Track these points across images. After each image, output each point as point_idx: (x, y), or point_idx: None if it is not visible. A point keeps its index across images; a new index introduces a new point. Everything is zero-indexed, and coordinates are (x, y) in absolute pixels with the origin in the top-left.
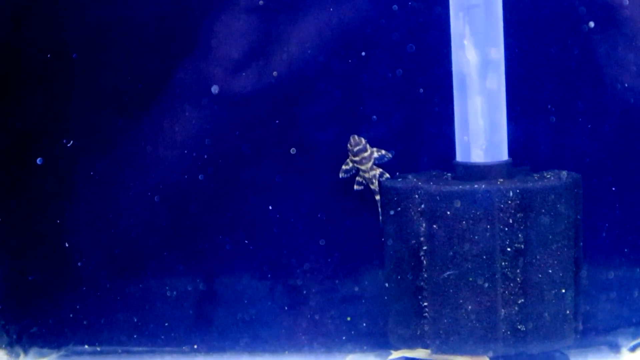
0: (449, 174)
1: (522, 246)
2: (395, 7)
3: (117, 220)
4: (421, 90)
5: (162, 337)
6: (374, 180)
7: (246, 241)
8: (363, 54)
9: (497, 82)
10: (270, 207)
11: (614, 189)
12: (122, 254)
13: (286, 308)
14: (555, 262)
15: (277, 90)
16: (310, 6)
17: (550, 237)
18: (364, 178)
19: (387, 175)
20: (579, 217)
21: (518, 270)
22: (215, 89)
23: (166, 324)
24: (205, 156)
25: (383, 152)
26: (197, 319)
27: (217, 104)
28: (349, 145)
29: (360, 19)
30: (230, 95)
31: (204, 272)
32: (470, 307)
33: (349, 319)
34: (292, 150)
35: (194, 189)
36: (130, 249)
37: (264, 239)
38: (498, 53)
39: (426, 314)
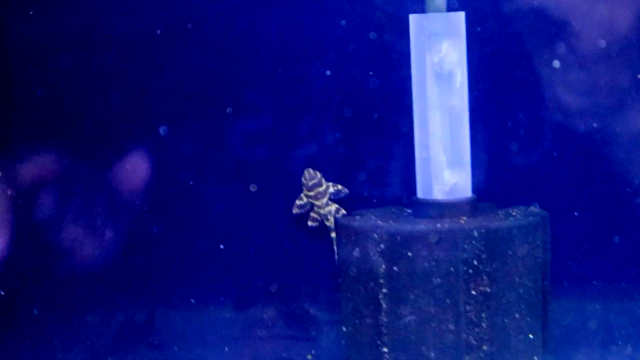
0: (410, 210)
1: (488, 289)
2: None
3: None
4: (377, 116)
5: None
6: (329, 217)
7: (195, 278)
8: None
9: (460, 110)
10: (221, 246)
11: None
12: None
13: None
14: (523, 305)
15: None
16: None
17: (517, 279)
18: (319, 214)
19: (344, 211)
20: (547, 256)
21: (483, 315)
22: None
23: None
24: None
25: (339, 187)
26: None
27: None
28: (303, 179)
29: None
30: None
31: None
32: (432, 354)
33: (309, 357)
34: (253, 187)
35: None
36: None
37: (213, 278)
38: (462, 79)
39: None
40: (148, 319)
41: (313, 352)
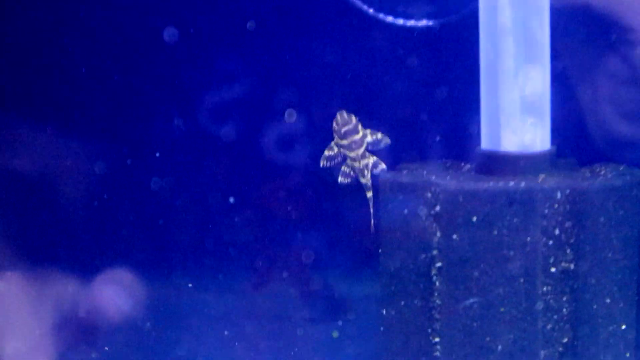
0: (469, 166)
1: (572, 266)
2: None
3: None
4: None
5: None
6: (365, 172)
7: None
8: None
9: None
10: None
11: None
12: None
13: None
14: (615, 288)
15: None
16: None
17: (609, 254)
18: (353, 168)
19: (384, 165)
20: None
21: (565, 298)
22: None
23: None
24: None
25: (380, 135)
26: None
27: None
28: (334, 124)
29: None
30: None
31: None
32: (499, 346)
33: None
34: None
35: None
36: None
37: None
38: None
39: (438, 353)
40: None
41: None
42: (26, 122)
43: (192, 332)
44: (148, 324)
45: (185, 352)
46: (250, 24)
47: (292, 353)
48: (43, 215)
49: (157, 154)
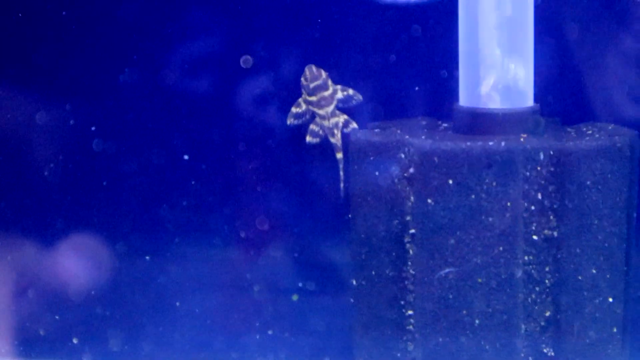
0: (445, 124)
1: (555, 233)
2: None
3: None
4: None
5: None
6: (335, 131)
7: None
8: None
9: None
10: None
11: None
12: None
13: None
14: (601, 257)
15: None
16: None
17: (595, 221)
18: (322, 127)
19: (355, 124)
20: (634, 192)
21: (547, 268)
22: None
23: None
24: None
25: (350, 91)
26: None
27: None
28: (302, 79)
29: None
30: None
31: None
32: (477, 320)
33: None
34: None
35: None
36: None
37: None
38: None
39: (411, 327)
40: None
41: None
42: None
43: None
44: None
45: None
46: None
47: (257, 323)
48: None
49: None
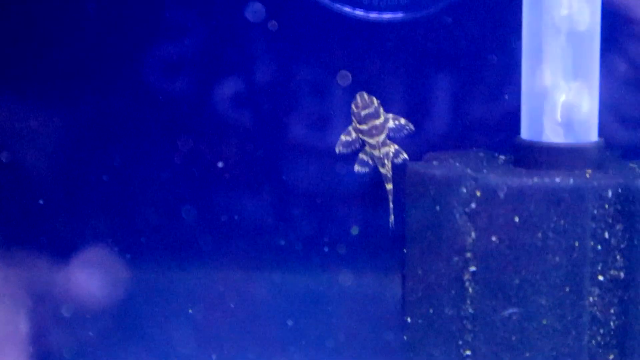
0: (504, 157)
1: (622, 274)
2: None
3: None
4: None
5: None
6: (385, 161)
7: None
8: None
9: (590, 20)
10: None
11: None
12: None
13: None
14: None
15: None
16: None
17: None
18: (372, 156)
19: (405, 155)
20: None
21: (613, 310)
22: None
23: None
24: None
25: (402, 121)
26: None
27: None
28: (353, 106)
29: None
30: None
31: None
32: None
33: None
34: None
35: None
36: None
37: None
38: None
39: None
40: None
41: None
42: None
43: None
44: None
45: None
46: None
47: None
48: None
49: None
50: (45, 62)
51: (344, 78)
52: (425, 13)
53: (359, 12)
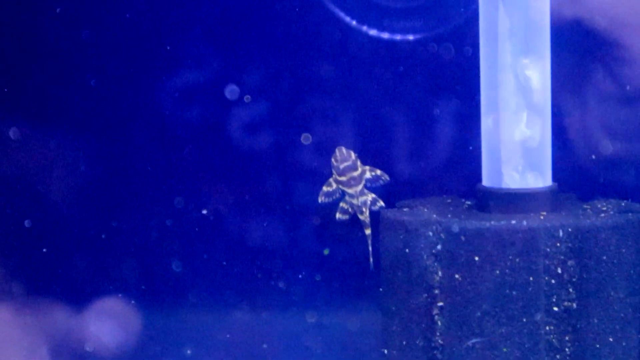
0: (468, 202)
1: (574, 305)
2: None
3: None
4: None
5: None
6: (363, 209)
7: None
8: None
9: (542, 81)
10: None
11: None
12: None
13: None
14: (618, 327)
15: None
16: None
17: (612, 293)
18: (351, 205)
19: (382, 203)
20: None
21: (568, 338)
22: None
23: None
24: None
25: (378, 172)
26: None
27: None
28: (333, 160)
29: None
30: None
31: None
32: None
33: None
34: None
35: None
36: None
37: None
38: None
39: None
40: None
41: None
42: None
43: None
44: None
45: None
46: None
47: None
48: None
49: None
50: None
51: (306, 139)
52: None
53: None
